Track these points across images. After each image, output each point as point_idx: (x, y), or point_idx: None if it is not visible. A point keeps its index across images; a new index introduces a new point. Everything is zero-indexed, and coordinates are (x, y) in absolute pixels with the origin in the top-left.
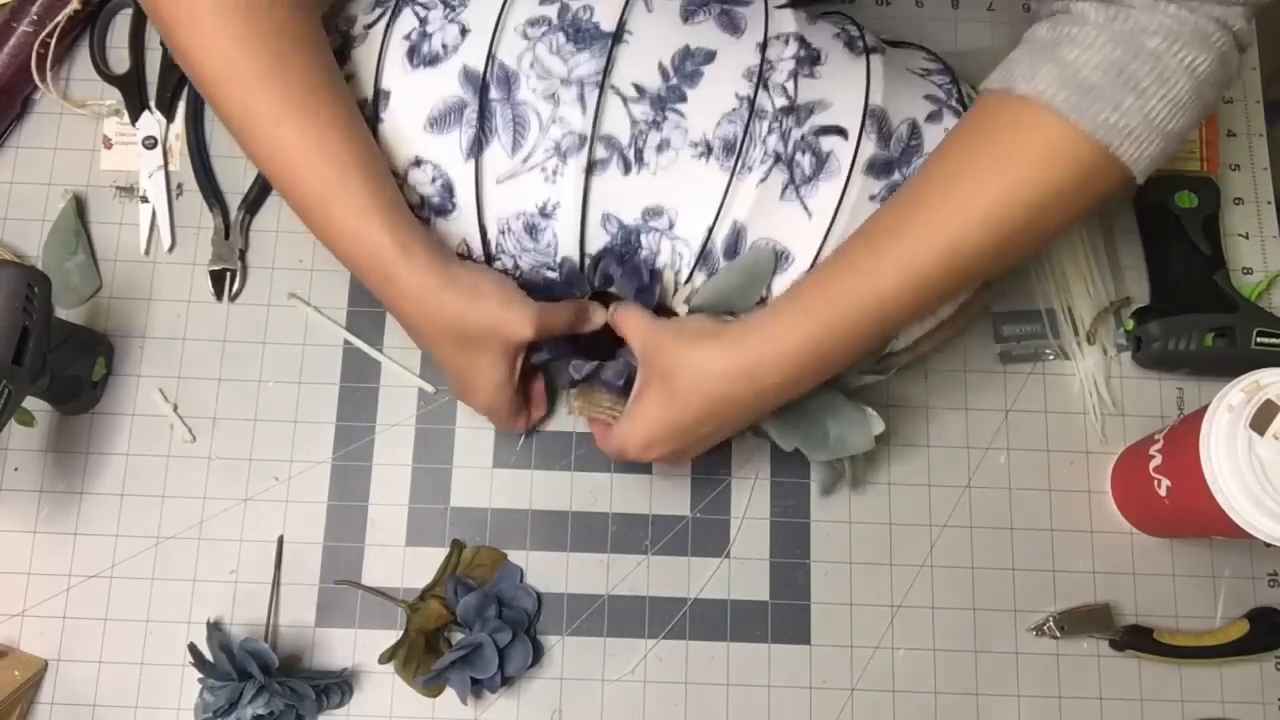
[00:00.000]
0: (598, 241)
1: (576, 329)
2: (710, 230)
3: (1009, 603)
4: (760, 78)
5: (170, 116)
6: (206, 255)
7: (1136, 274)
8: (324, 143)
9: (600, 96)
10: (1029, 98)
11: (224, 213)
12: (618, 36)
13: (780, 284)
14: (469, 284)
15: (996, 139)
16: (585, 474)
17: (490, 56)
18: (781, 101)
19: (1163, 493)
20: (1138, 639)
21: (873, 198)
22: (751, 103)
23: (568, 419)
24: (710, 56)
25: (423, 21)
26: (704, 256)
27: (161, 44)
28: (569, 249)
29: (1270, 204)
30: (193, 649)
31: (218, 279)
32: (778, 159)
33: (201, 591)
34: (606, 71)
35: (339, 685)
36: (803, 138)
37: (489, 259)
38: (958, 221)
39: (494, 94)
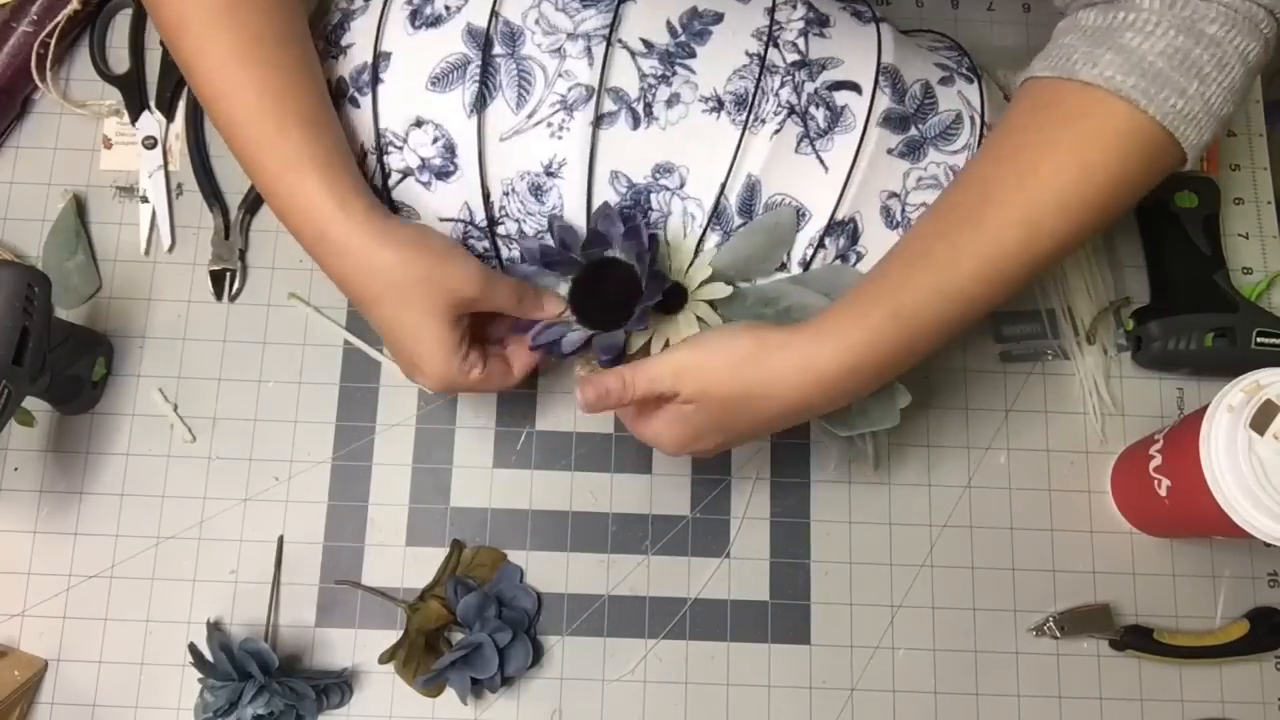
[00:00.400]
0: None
1: (521, 313)
2: (723, 186)
3: (1009, 603)
4: (770, 36)
5: (170, 116)
6: (206, 255)
7: (1136, 274)
8: (265, 91)
9: (608, 50)
10: (1094, 84)
11: (224, 213)
12: None
13: (798, 242)
14: (408, 238)
15: (1067, 126)
16: (585, 474)
17: (494, 13)
18: (793, 57)
19: (1163, 493)
20: (1138, 639)
21: (890, 151)
22: (762, 59)
23: (568, 419)
24: (718, 18)
25: None
26: (717, 215)
27: (162, 44)
28: (574, 211)
29: (1270, 204)
30: (193, 649)
31: (218, 279)
32: (791, 111)
33: (201, 591)
34: (614, 26)
35: (339, 685)
36: (815, 91)
37: (492, 223)
38: (1037, 210)
39: (498, 49)
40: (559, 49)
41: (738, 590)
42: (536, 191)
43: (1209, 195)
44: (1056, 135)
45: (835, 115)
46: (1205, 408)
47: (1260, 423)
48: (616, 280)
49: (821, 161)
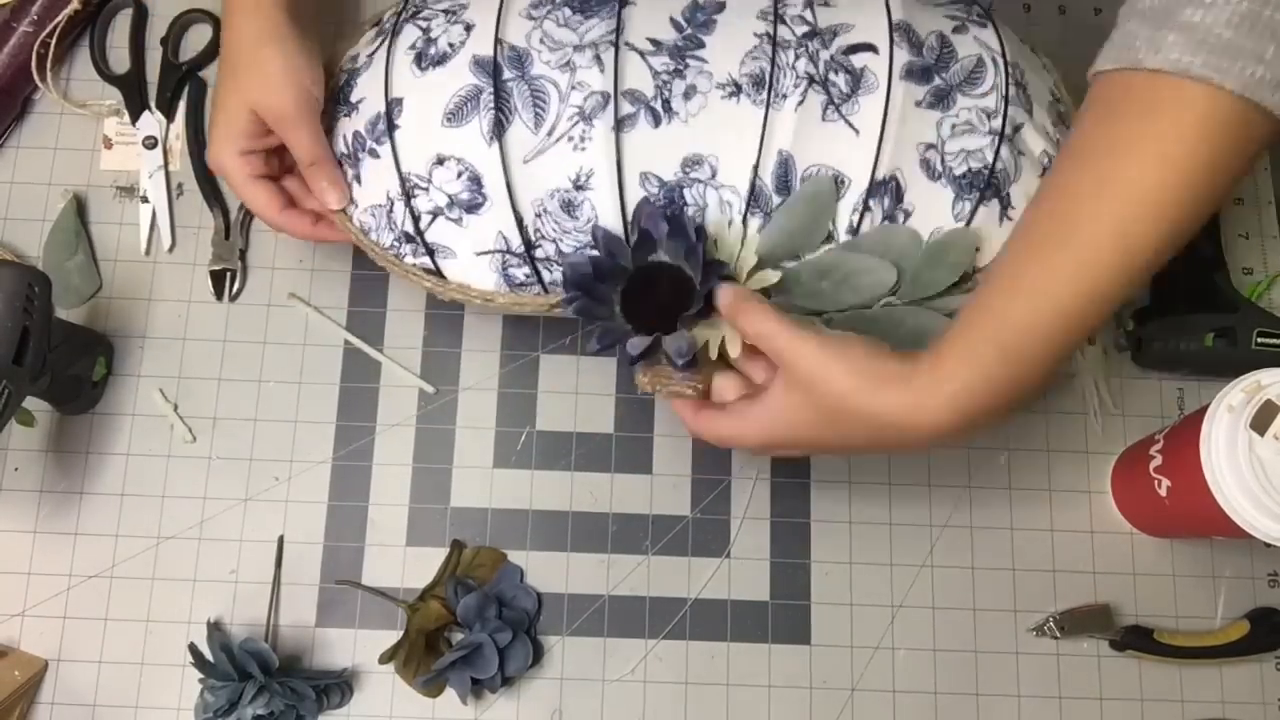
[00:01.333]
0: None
1: (305, 176)
2: (755, 168)
3: (1009, 603)
4: (775, 14)
5: (170, 116)
6: (206, 255)
7: None
8: None
9: (617, 54)
10: (1162, 70)
11: (224, 213)
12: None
13: (842, 210)
14: (293, 41)
15: (1142, 121)
16: (585, 474)
17: (498, 40)
18: (802, 29)
19: (1163, 493)
20: (1138, 639)
21: (918, 103)
22: (772, 38)
23: (568, 419)
24: (720, 6)
25: (425, 31)
26: (754, 198)
27: (161, 43)
28: (609, 219)
29: (1270, 204)
30: (193, 649)
31: (218, 279)
32: (811, 80)
33: (201, 591)
34: (618, 30)
35: (339, 685)
36: (832, 58)
37: (529, 247)
38: (1126, 219)
39: (508, 74)
40: (567, 62)
41: (738, 590)
42: (569, 207)
43: None
44: (1133, 133)
45: (856, 78)
46: (1205, 408)
47: (1260, 423)
48: (667, 280)
49: (850, 125)
